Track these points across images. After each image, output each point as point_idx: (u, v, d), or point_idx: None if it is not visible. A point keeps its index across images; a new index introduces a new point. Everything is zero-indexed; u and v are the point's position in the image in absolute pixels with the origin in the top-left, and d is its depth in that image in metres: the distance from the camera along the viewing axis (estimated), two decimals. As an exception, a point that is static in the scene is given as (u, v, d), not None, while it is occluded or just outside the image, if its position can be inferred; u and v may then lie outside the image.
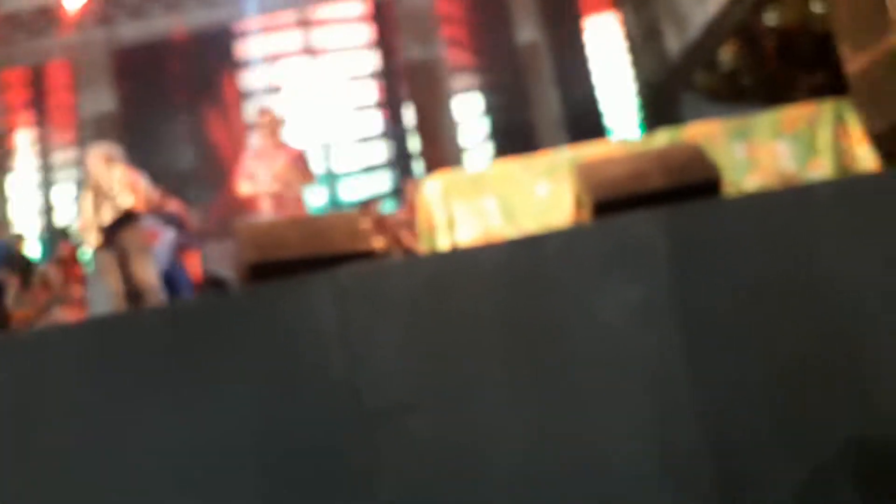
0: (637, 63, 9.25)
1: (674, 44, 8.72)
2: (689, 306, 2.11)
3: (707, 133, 3.51)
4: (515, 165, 3.63)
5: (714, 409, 2.05)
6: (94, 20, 9.28)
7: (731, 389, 2.05)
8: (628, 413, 2.04)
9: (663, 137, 3.55)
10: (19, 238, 7.78)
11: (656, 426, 2.04)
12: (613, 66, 9.42)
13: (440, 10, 9.68)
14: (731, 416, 2.04)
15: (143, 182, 5.11)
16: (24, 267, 6.74)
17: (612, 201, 2.31)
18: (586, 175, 2.39)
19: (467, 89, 9.55)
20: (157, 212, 5.56)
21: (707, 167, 2.45)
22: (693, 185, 2.37)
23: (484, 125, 9.45)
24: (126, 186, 4.93)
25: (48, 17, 9.21)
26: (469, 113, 9.45)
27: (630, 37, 9.32)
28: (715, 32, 7.64)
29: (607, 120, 9.28)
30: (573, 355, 2.08)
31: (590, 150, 3.54)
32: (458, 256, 2.33)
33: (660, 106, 8.88)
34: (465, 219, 3.41)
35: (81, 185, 8.34)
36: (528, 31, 9.54)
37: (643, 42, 9.13)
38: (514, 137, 9.01)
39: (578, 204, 2.45)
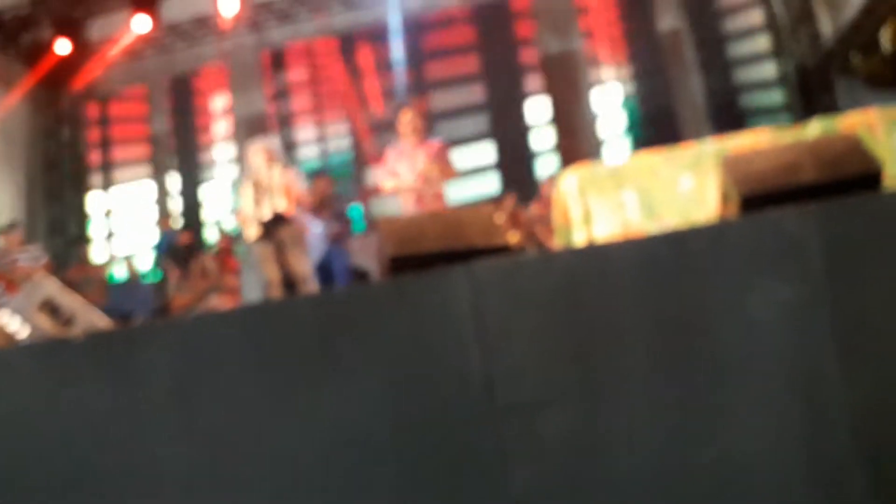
0: (787, 48, 8.75)
1: (828, 26, 8.19)
2: (843, 307, 1.99)
3: (865, 122, 3.28)
4: (657, 158, 3.53)
5: (867, 415, 1.92)
6: (245, 25, 9.82)
7: (885, 394, 1.92)
8: (775, 417, 1.95)
9: (816, 127, 3.35)
10: (180, 230, 8.37)
11: (805, 432, 1.93)
12: (758, 52, 8.96)
13: (578, 2, 9.55)
14: (885, 423, 1.91)
15: (298, 183, 5.37)
16: (184, 257, 7.26)
17: (761, 196, 2.20)
18: (733, 168, 2.29)
19: (606, 81, 9.38)
20: (317, 205, 5.83)
21: (865, 159, 2.28)
22: (849, 178, 2.22)
23: (624, 117, 9.25)
24: (282, 189, 5.21)
25: (206, 25, 9.83)
26: (608, 105, 9.28)
27: (779, 20, 8.83)
28: (873, 12, 7.10)
29: (752, 109, 8.85)
30: (717, 356, 2.01)
31: (736, 142, 3.39)
32: (596, 251, 2.30)
33: (812, 93, 8.36)
34: (602, 213, 3.36)
35: (238, 181, 8.89)
36: (669, 19, 9.24)
37: (794, 25, 8.62)
38: (655, 128, 8.77)
39: (725, 198, 2.36)
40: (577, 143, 8.91)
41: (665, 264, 2.08)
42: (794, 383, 1.95)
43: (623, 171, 3.57)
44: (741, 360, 2.00)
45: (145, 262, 8.42)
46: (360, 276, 6.56)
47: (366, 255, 6.77)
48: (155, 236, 8.31)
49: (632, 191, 3.39)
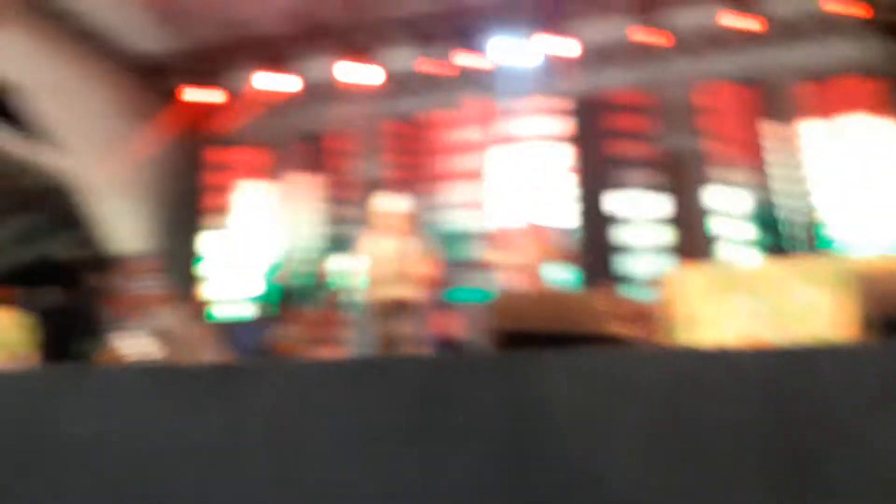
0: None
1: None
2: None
3: None
4: (780, 266, 3.43)
5: None
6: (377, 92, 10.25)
7: None
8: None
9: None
10: (279, 271, 8.59)
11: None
12: (880, 169, 8.62)
13: (702, 100, 9.55)
14: None
15: (431, 260, 5.33)
16: (283, 299, 7.49)
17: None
18: (873, 289, 2.20)
19: (726, 181, 9.24)
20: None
21: None
22: None
23: (744, 219, 9.05)
24: (418, 276, 5.16)
25: (335, 90, 10.31)
26: (728, 205, 9.10)
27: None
28: None
29: (881, 226, 8.46)
30: (835, 486, 1.89)
31: (870, 260, 3.25)
32: (713, 356, 2.22)
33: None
34: (718, 316, 3.26)
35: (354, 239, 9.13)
36: (786, 129, 9.09)
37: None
38: (775, 236, 8.53)
39: (861, 320, 2.25)
40: (693, 241, 8.76)
41: (789, 381, 1.98)
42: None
43: (739, 275, 3.47)
44: (862, 494, 1.87)
45: (252, 303, 8.70)
46: (450, 345, 6.57)
47: (462, 328, 6.79)
48: (261, 280, 8.61)
49: (751, 297, 3.28)
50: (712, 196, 9.10)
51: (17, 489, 2.43)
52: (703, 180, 9.17)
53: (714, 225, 9.00)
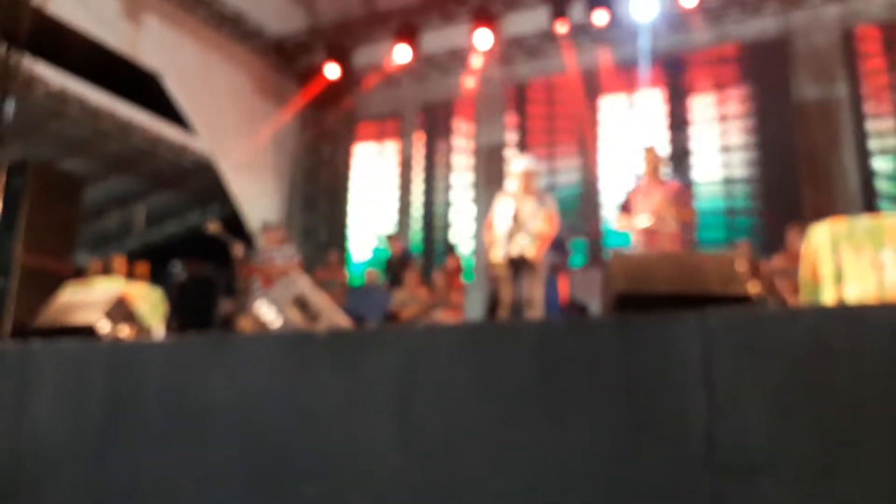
0: None
1: None
2: None
3: None
4: (926, 218, 3.19)
5: None
6: (496, 59, 10.22)
7: None
8: None
9: None
10: (392, 239, 8.79)
11: None
12: None
13: (845, 47, 8.88)
14: None
15: (554, 212, 5.39)
16: (396, 267, 7.67)
17: None
18: None
19: (865, 132, 8.60)
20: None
21: None
22: None
23: (886, 170, 8.42)
24: (538, 233, 5.21)
25: (459, 58, 10.35)
26: (869, 157, 8.49)
27: None
28: None
29: None
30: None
31: None
32: (847, 313, 2.11)
33: None
34: (856, 272, 3.07)
35: (478, 203, 9.19)
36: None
37: None
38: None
39: None
40: (828, 195, 8.25)
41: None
42: None
43: (885, 227, 3.24)
44: None
45: (377, 269, 8.95)
46: (577, 309, 6.53)
47: (585, 290, 6.72)
48: (384, 247, 8.85)
49: (892, 250, 3.07)
50: (864, 147, 8.49)
51: (158, 451, 2.65)
52: (842, 131, 8.58)
53: (855, 177, 8.42)
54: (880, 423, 1.86)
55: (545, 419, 2.18)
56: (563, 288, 6.42)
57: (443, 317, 6.43)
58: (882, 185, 8.35)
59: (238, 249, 6.46)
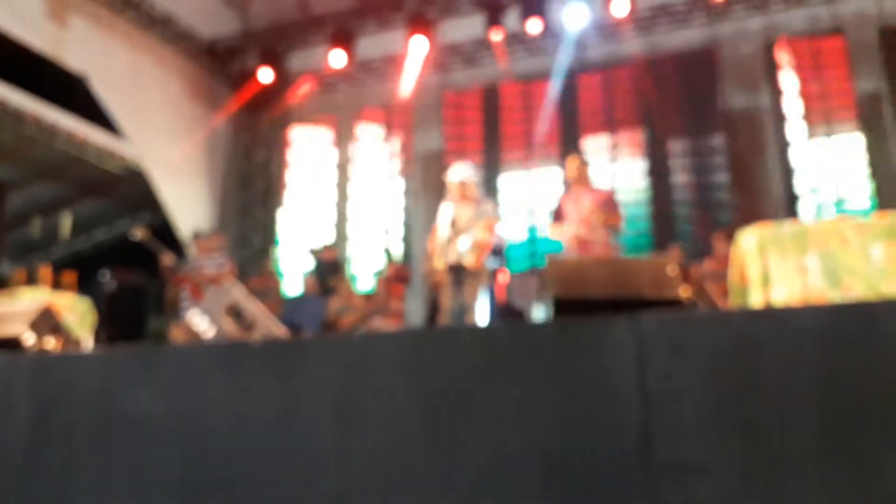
0: None
1: None
2: None
3: None
4: (847, 223, 3.32)
5: None
6: (431, 67, 10.25)
7: None
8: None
9: None
10: (325, 247, 8.73)
11: None
12: None
13: (770, 57, 9.21)
14: None
15: (496, 217, 5.37)
16: (325, 274, 7.62)
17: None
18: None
19: (792, 139, 8.93)
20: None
21: None
22: None
23: (809, 178, 8.76)
24: (476, 243, 5.21)
25: (395, 64, 10.34)
26: (796, 165, 8.82)
27: None
28: None
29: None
30: (899, 442, 1.85)
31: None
32: (774, 315, 2.18)
33: None
34: (782, 276, 3.18)
35: (413, 211, 9.18)
36: (869, 81, 8.70)
37: None
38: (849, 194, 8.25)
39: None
40: (755, 201, 8.53)
41: (849, 336, 1.94)
42: None
43: (808, 233, 3.37)
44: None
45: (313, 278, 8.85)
46: (514, 315, 6.59)
47: (522, 295, 6.79)
48: (320, 255, 8.77)
49: (816, 255, 3.19)
50: (785, 154, 8.82)
51: (89, 465, 2.57)
52: (768, 139, 8.90)
53: (780, 184, 8.74)
54: (805, 421, 1.93)
55: (484, 423, 2.19)
56: (501, 293, 6.48)
57: (382, 324, 6.40)
58: (806, 193, 8.67)
59: (166, 258, 6.27)
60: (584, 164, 5.61)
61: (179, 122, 10.37)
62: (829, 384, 1.91)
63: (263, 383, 2.45)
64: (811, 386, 1.93)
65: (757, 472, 1.93)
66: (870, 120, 8.55)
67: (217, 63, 10.87)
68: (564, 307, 2.51)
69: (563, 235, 5.43)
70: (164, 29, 10.05)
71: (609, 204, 5.44)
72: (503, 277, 6.65)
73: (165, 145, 9.96)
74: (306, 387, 2.40)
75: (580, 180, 5.53)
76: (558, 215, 5.50)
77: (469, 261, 5.11)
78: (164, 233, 8.67)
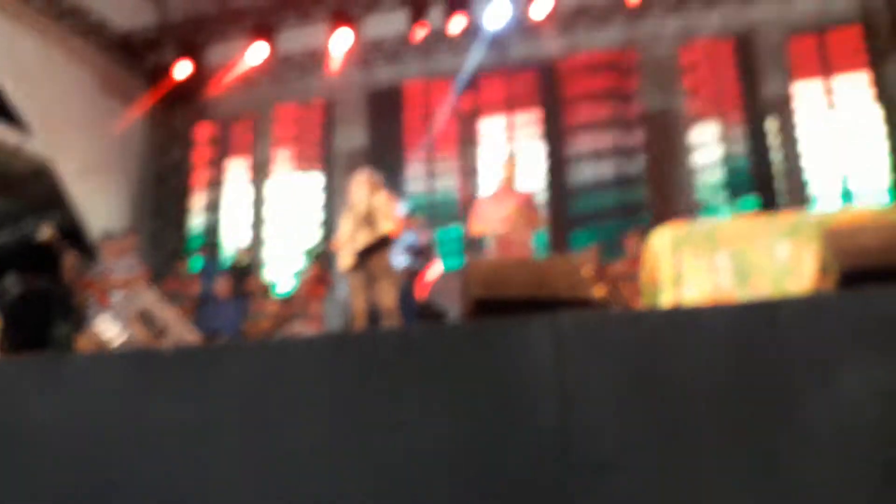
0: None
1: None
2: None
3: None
4: (754, 223, 3.44)
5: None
6: (355, 63, 10.15)
7: None
8: (860, 500, 1.85)
9: (927, 206, 3.21)
10: (242, 249, 8.59)
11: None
12: (864, 125, 8.64)
13: (684, 59, 9.48)
14: None
15: (399, 210, 5.46)
16: (240, 276, 7.50)
17: (862, 272, 2.12)
18: (835, 241, 2.22)
19: (706, 141, 9.23)
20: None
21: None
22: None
23: (720, 179, 9.06)
24: (387, 212, 5.28)
25: (317, 59, 10.21)
26: (706, 165, 9.12)
27: (893, 93, 8.51)
28: None
29: (853, 184, 8.53)
30: (802, 433, 1.92)
31: (839, 215, 3.27)
32: (685, 314, 2.25)
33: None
34: (693, 275, 3.28)
35: (334, 210, 9.10)
36: (774, 84, 9.05)
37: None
38: (751, 193, 8.58)
39: (823, 271, 2.27)
40: (670, 201, 8.77)
41: (755, 333, 2.01)
42: (883, 467, 1.84)
43: (718, 233, 3.48)
44: (827, 439, 1.90)
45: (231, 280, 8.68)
46: (436, 315, 6.59)
47: (446, 296, 6.81)
48: (242, 257, 8.58)
49: (726, 254, 3.30)
50: (692, 155, 9.11)
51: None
52: (683, 139, 9.17)
53: (694, 184, 9.03)
54: (715, 416, 1.99)
55: (403, 427, 2.19)
56: (422, 294, 6.47)
57: (301, 329, 6.31)
58: (717, 193, 8.98)
59: (71, 260, 5.95)
60: (515, 165, 5.68)
61: (91, 117, 9.96)
62: (737, 381, 1.98)
63: (175, 392, 2.38)
64: (720, 383, 1.99)
65: (670, 468, 1.98)
66: (778, 123, 8.90)
67: (132, 56, 10.50)
68: (485, 308, 2.53)
69: (485, 234, 5.48)
70: (74, 20, 9.64)
71: (530, 205, 5.52)
72: (426, 278, 6.64)
73: (75, 141, 9.56)
74: (221, 394, 2.34)
75: (508, 181, 5.60)
76: (480, 214, 5.54)
77: (374, 240, 5.14)
78: (73, 234, 8.33)
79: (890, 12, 8.49)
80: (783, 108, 8.94)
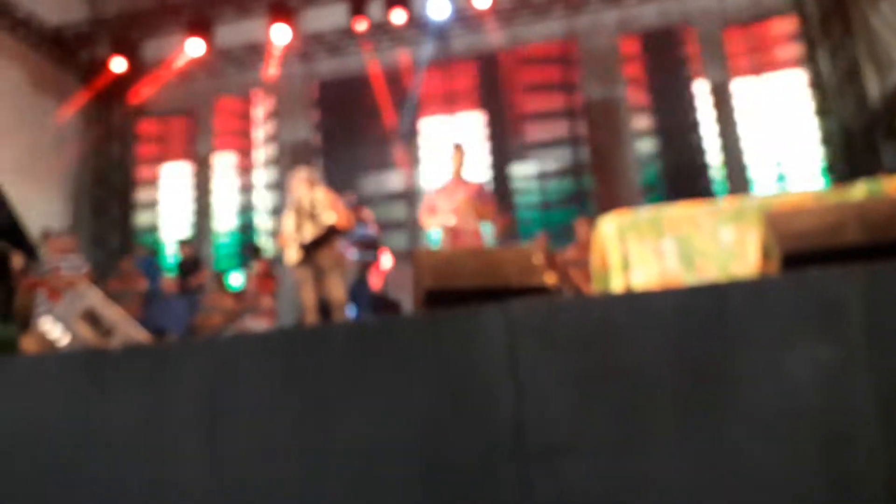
0: (832, 108, 8.71)
1: (875, 89, 8.15)
2: (881, 372, 1.95)
3: (913, 186, 3.24)
4: (698, 208, 3.52)
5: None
6: (296, 55, 10.04)
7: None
8: (805, 478, 1.92)
9: (862, 189, 3.32)
10: (183, 244, 8.46)
11: (835, 497, 1.89)
12: (799, 111, 8.94)
13: (623, 49, 9.64)
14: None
15: (341, 203, 5.46)
16: (186, 271, 7.37)
17: (804, 254, 2.19)
18: (777, 224, 2.28)
19: (645, 129, 9.41)
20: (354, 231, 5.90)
21: (913, 223, 2.26)
22: (894, 242, 2.20)
23: (660, 166, 9.26)
24: (328, 206, 5.28)
25: (257, 53, 10.06)
26: (648, 153, 9.30)
27: (825, 79, 8.81)
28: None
29: (788, 168, 8.82)
30: (750, 412, 1.98)
31: (780, 199, 3.37)
32: (633, 299, 2.29)
33: (856, 154, 8.28)
34: (641, 260, 3.34)
35: (282, 204, 9.03)
36: (711, 74, 9.28)
37: (840, 86, 8.59)
38: (688, 180, 8.78)
39: (766, 254, 2.34)
40: (614, 189, 8.92)
41: (702, 316, 2.06)
42: (827, 445, 1.92)
43: (664, 218, 3.55)
44: (774, 417, 1.97)
45: (176, 277, 8.52)
46: (390, 306, 6.60)
47: (398, 287, 6.81)
48: (184, 253, 8.43)
49: (672, 239, 3.37)
50: (633, 144, 9.28)
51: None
52: (625, 129, 9.33)
53: (637, 172, 9.20)
54: (667, 399, 2.03)
55: (358, 420, 2.18)
56: (376, 285, 6.46)
57: (253, 324, 6.23)
58: (660, 179, 9.17)
59: (17, 260, 5.81)
60: (464, 154, 5.69)
61: (23, 115, 9.64)
62: (686, 363, 2.03)
63: (124, 392, 2.33)
64: (670, 365, 2.03)
65: (623, 452, 2.02)
66: (717, 110, 9.12)
67: (65, 52, 10.18)
68: (437, 298, 2.54)
69: (436, 226, 5.48)
70: (2, 14, 9.31)
71: (481, 196, 5.54)
72: (380, 269, 6.63)
73: (9, 141, 9.24)
74: (172, 393, 2.30)
75: (458, 171, 5.61)
76: (431, 206, 5.55)
77: (318, 229, 5.13)
78: (11, 234, 8.05)
79: (820, 3, 8.77)
80: (720, 96, 9.16)
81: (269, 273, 7.01)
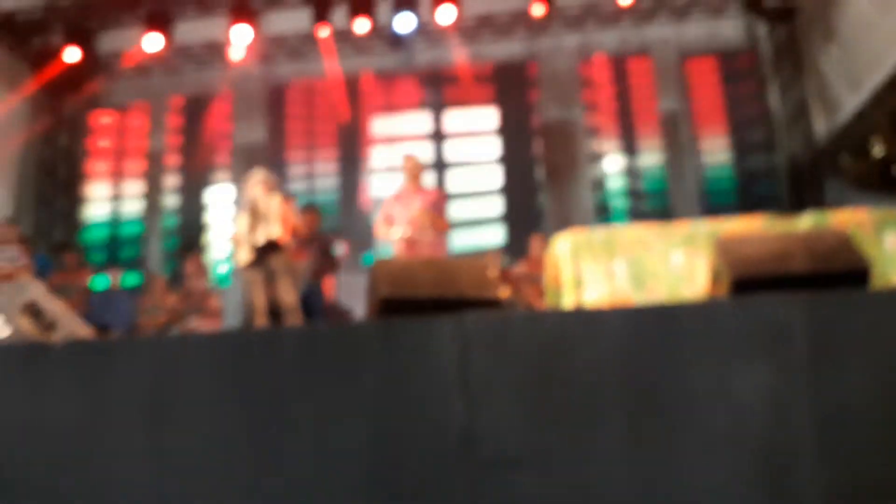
0: (781, 142, 9.02)
1: (822, 126, 8.45)
2: (823, 395, 2.02)
3: (855, 221, 3.37)
4: (651, 231, 3.59)
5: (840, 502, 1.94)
6: (255, 57, 9.95)
7: (859, 483, 1.94)
8: (748, 493, 1.96)
9: (808, 220, 3.44)
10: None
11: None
12: (754, 143, 9.23)
13: (582, 73, 9.79)
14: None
15: (294, 213, 5.42)
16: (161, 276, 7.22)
17: (751, 280, 2.25)
18: (726, 250, 2.35)
19: (602, 152, 9.56)
20: (307, 238, 5.85)
21: (855, 256, 2.35)
22: (839, 272, 2.28)
23: (620, 188, 9.43)
24: (280, 217, 5.23)
25: (215, 52, 9.94)
26: (602, 176, 9.46)
27: (774, 115, 9.12)
28: (865, 119, 7.34)
29: (743, 196, 9.06)
30: (695, 430, 2.03)
31: (730, 225, 3.46)
32: (585, 316, 2.33)
33: (802, 188, 8.59)
34: (593, 279, 3.40)
35: (238, 205, 8.93)
36: (669, 101, 9.49)
37: (790, 121, 8.91)
38: (645, 204, 8.96)
39: (715, 278, 2.40)
40: (568, 208, 9.05)
41: (652, 335, 2.10)
42: (770, 465, 1.97)
43: (616, 239, 3.62)
44: (718, 434, 2.01)
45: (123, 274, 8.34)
46: (341, 314, 6.55)
47: (350, 295, 6.76)
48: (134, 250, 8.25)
49: (623, 260, 3.44)
50: (591, 166, 9.43)
51: None
52: (580, 151, 9.47)
53: (591, 193, 9.35)
54: (615, 411, 2.07)
55: (307, 426, 2.17)
56: (329, 292, 6.41)
57: (199, 324, 6.12)
58: (614, 202, 9.33)
59: None
60: (418, 164, 5.68)
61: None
62: (635, 379, 2.07)
63: (65, 387, 2.27)
64: (619, 381, 2.07)
65: (572, 465, 2.04)
66: (670, 137, 9.33)
67: (15, 38, 9.89)
68: (391, 307, 2.53)
69: (391, 236, 5.46)
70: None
71: (439, 205, 5.53)
72: (332, 276, 6.58)
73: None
74: (114, 391, 2.26)
75: (413, 181, 5.59)
76: (386, 216, 5.53)
77: (270, 237, 5.12)
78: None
79: (774, 42, 9.10)
80: (679, 123, 9.39)
81: (200, 271, 6.83)
